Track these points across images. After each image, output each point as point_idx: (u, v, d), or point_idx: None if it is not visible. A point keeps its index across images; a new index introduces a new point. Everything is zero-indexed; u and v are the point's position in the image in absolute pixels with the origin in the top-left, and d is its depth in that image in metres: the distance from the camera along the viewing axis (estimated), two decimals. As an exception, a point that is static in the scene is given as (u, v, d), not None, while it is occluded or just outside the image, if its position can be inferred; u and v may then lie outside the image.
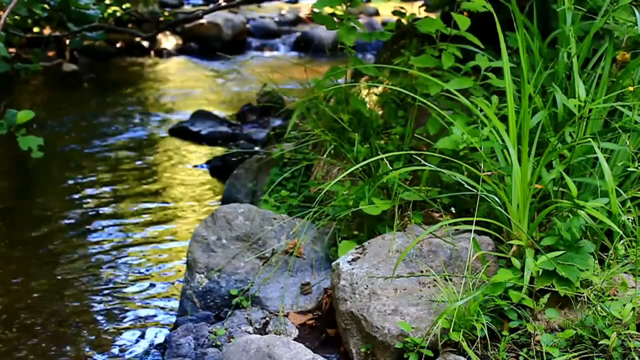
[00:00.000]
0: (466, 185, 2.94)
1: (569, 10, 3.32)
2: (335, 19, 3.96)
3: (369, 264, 2.97)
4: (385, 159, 3.34)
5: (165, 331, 3.51)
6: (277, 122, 6.35)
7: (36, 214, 5.01)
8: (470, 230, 2.81)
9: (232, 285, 3.38)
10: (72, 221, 4.89)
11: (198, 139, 6.66)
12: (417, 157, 3.11)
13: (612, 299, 2.60)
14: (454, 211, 3.20)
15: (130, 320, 3.68)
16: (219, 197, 5.08)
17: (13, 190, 5.49)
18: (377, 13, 12.39)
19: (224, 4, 8.39)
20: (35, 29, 8.26)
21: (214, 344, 3.10)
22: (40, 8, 5.74)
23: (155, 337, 3.50)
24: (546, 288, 2.66)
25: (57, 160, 5.91)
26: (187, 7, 12.51)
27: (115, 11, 8.73)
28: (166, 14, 10.16)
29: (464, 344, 2.55)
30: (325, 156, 3.81)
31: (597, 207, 2.71)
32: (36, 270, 4.20)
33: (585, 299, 2.64)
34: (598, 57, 3.43)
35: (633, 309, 2.50)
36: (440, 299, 2.73)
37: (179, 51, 10.60)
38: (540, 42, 3.56)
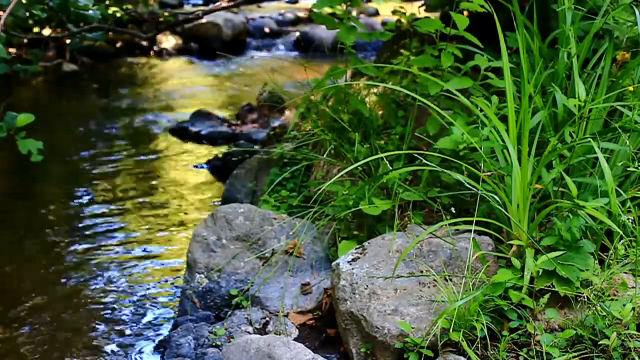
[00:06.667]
0: (466, 185, 2.94)
1: (569, 10, 3.32)
2: (335, 19, 3.96)
3: (369, 264, 2.97)
4: (385, 159, 3.33)
5: (165, 331, 3.51)
6: (277, 122, 6.34)
7: (35, 214, 5.00)
8: (470, 230, 2.81)
9: (232, 285, 3.38)
10: (72, 221, 4.88)
11: (198, 139, 6.66)
12: (417, 157, 3.11)
13: (612, 299, 2.60)
14: (454, 211, 3.19)
15: (130, 320, 3.68)
16: (219, 197, 5.08)
17: (13, 190, 5.49)
18: (377, 13, 12.38)
19: (224, 4, 8.39)
20: (36, 29, 8.25)
21: (214, 344, 3.10)
22: (39, 9, 5.72)
23: (155, 337, 3.50)
24: (546, 288, 2.66)
25: (57, 160, 5.90)
26: (187, 7, 12.50)
27: (115, 12, 8.71)
28: (166, 14, 10.15)
29: (464, 344, 2.55)
30: (325, 156, 3.81)
31: (597, 207, 2.70)
32: (35, 270, 4.19)
33: (585, 299, 2.64)
34: (598, 57, 3.43)
35: (633, 309, 2.50)
36: (440, 299, 2.73)
37: (179, 51, 10.59)
38: (540, 42, 3.56)
